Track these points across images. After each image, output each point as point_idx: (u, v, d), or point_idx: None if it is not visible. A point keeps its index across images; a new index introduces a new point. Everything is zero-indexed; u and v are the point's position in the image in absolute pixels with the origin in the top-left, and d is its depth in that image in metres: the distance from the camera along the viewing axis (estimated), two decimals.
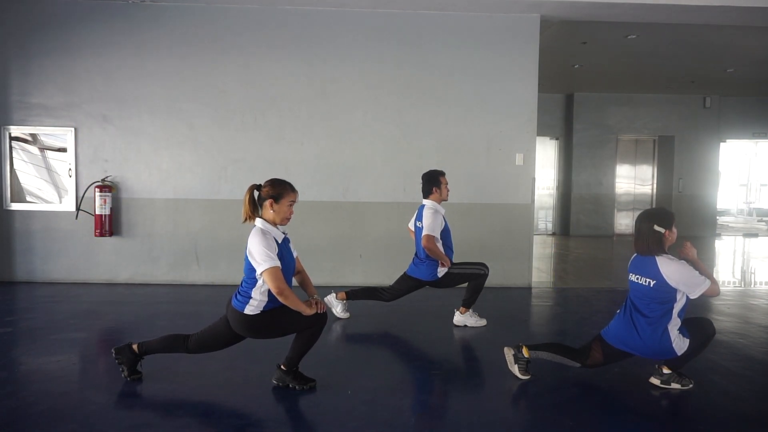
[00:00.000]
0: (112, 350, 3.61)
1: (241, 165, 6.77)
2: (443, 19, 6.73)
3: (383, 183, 6.82)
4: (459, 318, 5.15)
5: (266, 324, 3.37)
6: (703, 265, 3.50)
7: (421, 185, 5.07)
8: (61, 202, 6.75)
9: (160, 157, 6.73)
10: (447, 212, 5.08)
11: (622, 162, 13.37)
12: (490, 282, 6.81)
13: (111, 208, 6.63)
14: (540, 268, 8.41)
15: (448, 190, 5.07)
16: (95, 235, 6.63)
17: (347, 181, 6.82)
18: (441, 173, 5.06)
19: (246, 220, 3.41)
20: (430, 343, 4.65)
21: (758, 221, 16.50)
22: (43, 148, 6.74)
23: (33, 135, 6.71)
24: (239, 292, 3.39)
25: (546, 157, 13.41)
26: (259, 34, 6.69)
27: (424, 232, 4.87)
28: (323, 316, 3.43)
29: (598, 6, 6.32)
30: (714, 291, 3.37)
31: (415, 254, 5.11)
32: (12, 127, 6.66)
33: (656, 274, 3.39)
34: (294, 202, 3.43)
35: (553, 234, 13.53)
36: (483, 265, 5.12)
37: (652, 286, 3.41)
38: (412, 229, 5.19)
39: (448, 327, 5.10)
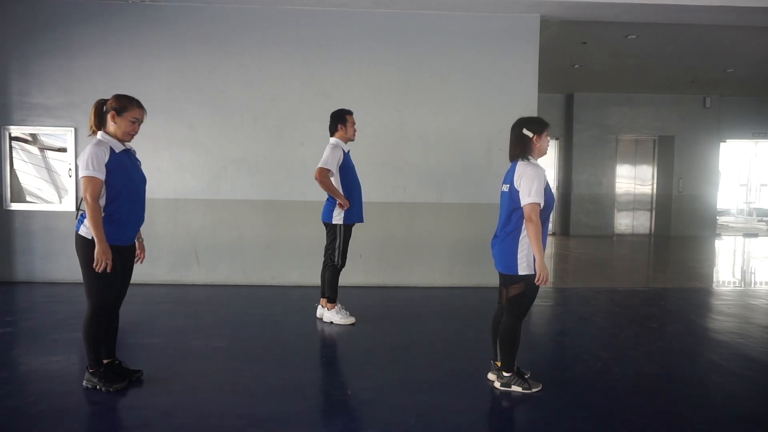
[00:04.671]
0: (102, 389, 3.39)
1: (241, 165, 6.76)
2: (443, 19, 6.73)
3: (383, 183, 6.81)
4: (323, 313, 5.07)
5: (82, 252, 3.24)
6: (541, 257, 3.27)
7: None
8: (61, 202, 6.75)
9: (160, 157, 6.72)
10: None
11: (622, 162, 13.36)
12: (490, 282, 6.83)
13: None
14: None
15: (354, 130, 5.05)
16: None
17: None
18: (348, 112, 5.03)
19: (91, 133, 3.37)
20: (430, 343, 4.65)
21: (758, 221, 16.49)
22: (43, 148, 6.73)
23: (33, 135, 6.71)
24: (81, 215, 3.32)
25: (546, 157, 13.35)
26: (259, 34, 6.69)
27: (318, 165, 4.80)
28: (120, 297, 3.41)
29: (598, 6, 6.31)
30: (533, 220, 3.18)
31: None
32: (12, 127, 6.66)
33: (512, 177, 3.32)
34: (138, 120, 3.37)
35: (553, 234, 13.52)
36: (345, 259, 4.98)
37: (507, 190, 3.34)
38: None
39: (448, 327, 5.10)
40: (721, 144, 13.30)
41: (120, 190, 3.28)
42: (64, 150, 6.69)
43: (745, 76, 10.77)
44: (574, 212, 12.99)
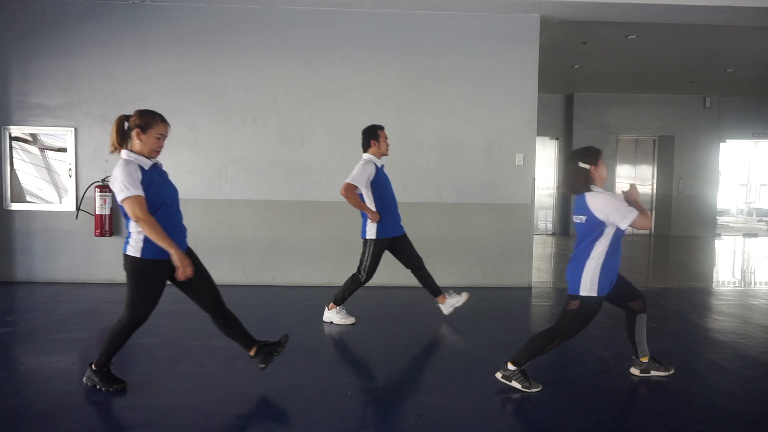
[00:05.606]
0: (102, 389, 3.40)
1: (241, 165, 6.77)
2: (443, 19, 6.73)
3: None
4: (326, 314, 5.12)
5: (130, 270, 3.22)
6: (640, 204, 3.44)
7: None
8: (61, 202, 6.75)
9: (160, 157, 6.66)
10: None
11: (622, 162, 13.36)
12: (489, 282, 6.86)
13: (111, 208, 6.63)
14: (540, 268, 8.41)
15: (387, 145, 5.01)
16: (95, 235, 6.63)
17: None
18: (380, 127, 5.01)
19: (113, 150, 3.29)
20: (430, 344, 4.65)
21: (758, 221, 16.50)
22: (43, 148, 6.74)
23: (33, 135, 6.71)
24: (127, 235, 3.28)
25: (546, 157, 13.40)
26: (259, 34, 6.69)
27: (346, 180, 4.79)
28: (216, 300, 3.47)
29: (598, 6, 6.31)
30: (643, 223, 3.31)
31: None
32: (12, 127, 6.66)
33: (586, 209, 3.37)
34: (163, 135, 3.30)
35: (553, 234, 13.53)
36: (371, 273, 4.96)
37: (584, 222, 3.41)
38: None
39: (447, 327, 5.10)
40: (721, 144, 13.30)
41: (157, 208, 3.24)
42: (64, 150, 6.69)
43: (745, 76, 10.77)
44: None
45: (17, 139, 6.70)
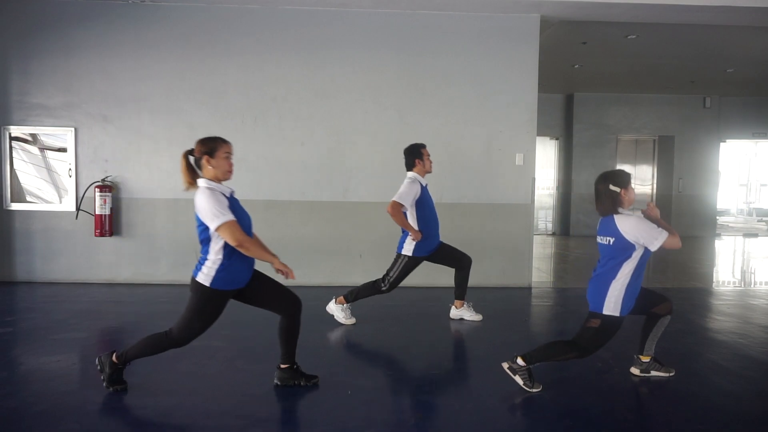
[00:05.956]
0: (104, 383, 3.41)
1: (241, 165, 6.73)
2: (443, 19, 6.73)
3: (383, 183, 6.80)
4: (332, 306, 5.13)
5: (196, 295, 3.23)
6: (664, 223, 3.47)
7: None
8: (61, 202, 6.75)
9: (160, 157, 6.72)
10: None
11: (622, 162, 13.35)
12: (489, 282, 6.86)
13: (111, 208, 6.63)
14: (540, 268, 8.41)
15: (431, 162, 5.03)
16: (95, 235, 6.63)
17: (347, 181, 6.82)
18: (422, 145, 5.02)
19: (188, 188, 3.29)
20: (430, 344, 4.65)
21: (758, 221, 16.50)
22: (43, 148, 6.74)
23: (33, 135, 6.71)
24: (199, 261, 3.27)
25: (546, 157, 13.40)
26: (259, 34, 6.69)
27: (392, 198, 4.81)
28: (292, 302, 3.44)
29: (598, 6, 6.31)
30: (673, 243, 3.33)
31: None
32: (12, 127, 6.66)
33: (614, 231, 3.41)
34: (229, 153, 3.30)
35: (553, 234, 13.53)
36: (395, 286, 4.95)
37: (611, 244, 3.44)
38: None
39: (448, 327, 5.10)
40: (721, 144, 13.30)
41: None
42: (64, 150, 6.69)
43: (745, 76, 10.77)
44: (574, 212, 12.99)
45: (17, 139, 6.70)
